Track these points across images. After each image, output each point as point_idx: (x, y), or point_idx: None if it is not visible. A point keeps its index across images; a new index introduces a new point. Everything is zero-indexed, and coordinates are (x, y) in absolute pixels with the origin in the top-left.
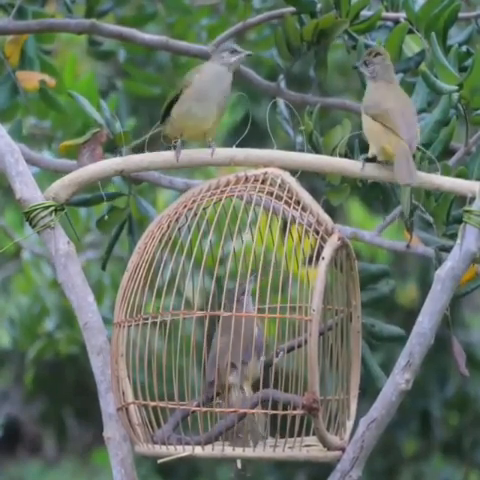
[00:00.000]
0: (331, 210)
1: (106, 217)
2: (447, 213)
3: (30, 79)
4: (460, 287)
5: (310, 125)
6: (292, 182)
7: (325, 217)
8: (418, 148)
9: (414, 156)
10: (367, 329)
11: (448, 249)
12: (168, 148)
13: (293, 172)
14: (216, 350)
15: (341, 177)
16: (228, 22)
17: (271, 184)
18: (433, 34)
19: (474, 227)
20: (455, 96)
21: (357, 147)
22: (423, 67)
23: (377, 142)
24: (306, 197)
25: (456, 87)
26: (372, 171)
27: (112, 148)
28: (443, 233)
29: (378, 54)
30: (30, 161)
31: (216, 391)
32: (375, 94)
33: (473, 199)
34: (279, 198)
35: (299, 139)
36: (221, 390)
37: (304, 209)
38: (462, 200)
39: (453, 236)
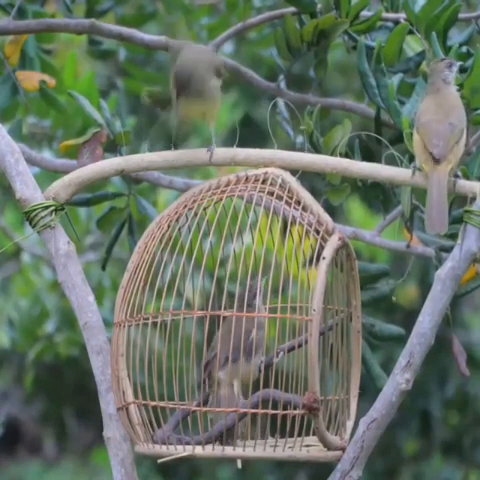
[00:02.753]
0: (331, 210)
1: None
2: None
3: (30, 79)
4: (460, 287)
5: (310, 125)
6: (292, 182)
7: (326, 217)
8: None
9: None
10: (367, 329)
11: (448, 249)
12: (168, 148)
13: (293, 172)
14: (211, 347)
15: (341, 177)
16: (228, 21)
17: (272, 184)
18: (433, 34)
19: (474, 227)
20: None
21: (357, 147)
22: (423, 67)
23: (418, 157)
24: (307, 197)
25: (456, 87)
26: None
27: (112, 148)
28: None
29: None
30: (30, 161)
31: (208, 387)
32: (421, 107)
33: (473, 199)
34: (280, 198)
35: (299, 139)
36: (214, 386)
37: (305, 209)
38: (462, 200)
39: (453, 236)
